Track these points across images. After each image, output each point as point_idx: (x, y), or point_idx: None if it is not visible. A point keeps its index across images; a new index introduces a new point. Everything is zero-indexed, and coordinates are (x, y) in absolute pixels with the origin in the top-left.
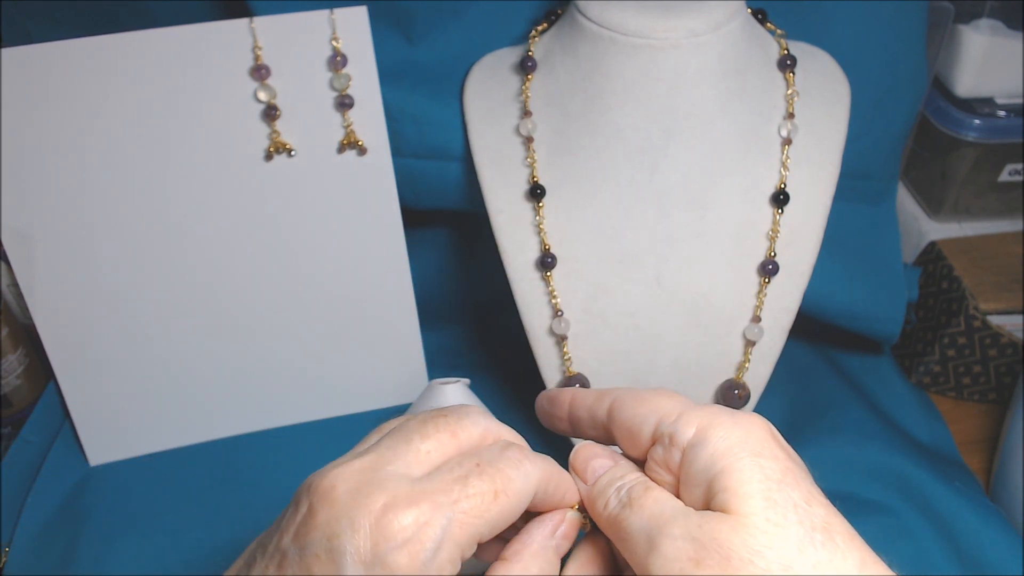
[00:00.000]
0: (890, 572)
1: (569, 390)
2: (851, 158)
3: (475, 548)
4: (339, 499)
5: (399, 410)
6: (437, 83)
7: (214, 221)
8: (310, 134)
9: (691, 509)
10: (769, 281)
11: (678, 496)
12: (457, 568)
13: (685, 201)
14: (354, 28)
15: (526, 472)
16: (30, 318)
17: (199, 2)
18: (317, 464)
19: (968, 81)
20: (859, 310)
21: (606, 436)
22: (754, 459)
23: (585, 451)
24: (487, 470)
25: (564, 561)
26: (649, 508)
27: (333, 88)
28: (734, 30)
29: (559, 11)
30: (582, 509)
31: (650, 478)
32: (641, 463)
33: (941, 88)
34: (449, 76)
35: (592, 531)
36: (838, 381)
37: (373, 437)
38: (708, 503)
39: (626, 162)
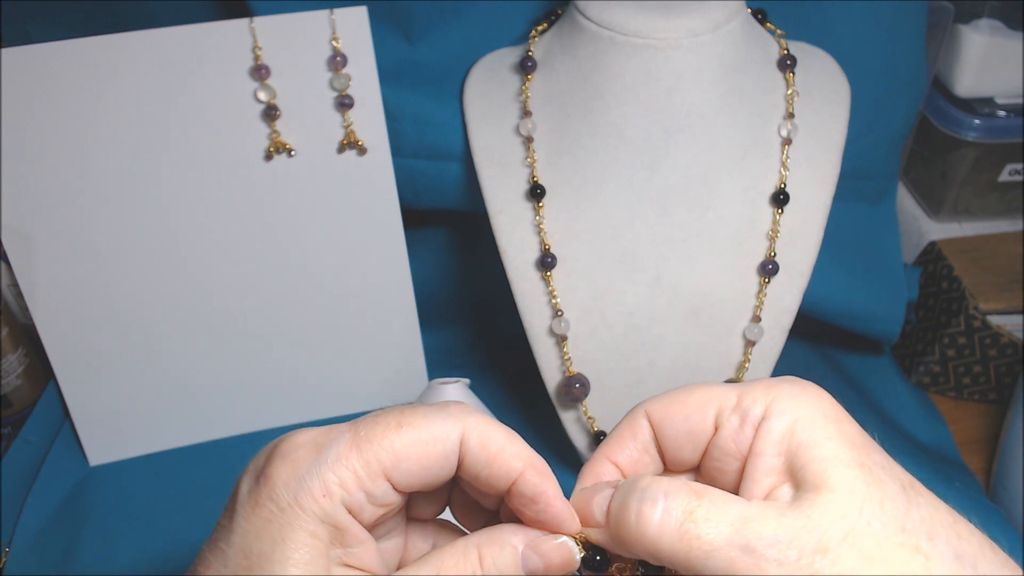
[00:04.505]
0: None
1: (600, 457)
2: (851, 158)
3: (384, 485)
4: (291, 451)
5: None
6: (437, 83)
7: (214, 221)
8: (310, 134)
9: (764, 503)
10: (769, 281)
11: (736, 486)
12: (352, 496)
13: (685, 201)
14: (354, 28)
15: (448, 413)
16: (30, 318)
17: (199, 2)
18: None
19: (968, 81)
20: (859, 310)
21: (650, 457)
22: (836, 425)
23: (582, 496)
24: (400, 408)
25: None
26: (724, 516)
27: (333, 88)
28: (734, 30)
29: (559, 11)
30: (589, 554)
31: (708, 474)
32: (685, 471)
33: (941, 88)
34: (449, 76)
35: None
36: (838, 381)
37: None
38: (788, 477)
39: (626, 162)
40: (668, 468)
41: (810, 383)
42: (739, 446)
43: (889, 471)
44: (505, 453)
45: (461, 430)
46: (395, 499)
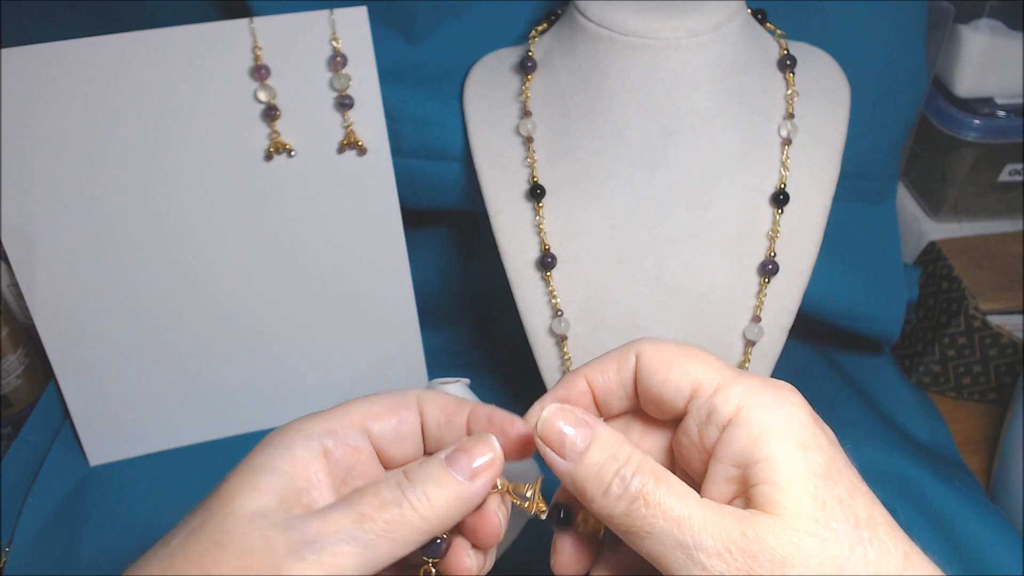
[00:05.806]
0: (928, 560)
1: (579, 372)
2: (851, 158)
3: (356, 430)
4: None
5: None
6: (437, 83)
7: (214, 221)
8: (310, 134)
9: (717, 508)
10: (769, 281)
11: (702, 475)
12: (327, 434)
13: (685, 201)
14: (354, 28)
15: (403, 390)
16: (30, 318)
17: (199, 2)
18: None
19: (968, 81)
20: (859, 310)
21: (624, 394)
22: (802, 451)
23: (557, 416)
24: None
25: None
26: (670, 509)
27: (333, 88)
28: (734, 30)
29: (559, 11)
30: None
31: (679, 451)
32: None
33: (941, 88)
34: (449, 76)
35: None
36: (838, 381)
37: None
38: (744, 489)
39: (626, 162)
40: (642, 412)
41: (795, 396)
42: (703, 442)
43: (847, 507)
44: (458, 406)
45: (416, 394)
46: (367, 446)
